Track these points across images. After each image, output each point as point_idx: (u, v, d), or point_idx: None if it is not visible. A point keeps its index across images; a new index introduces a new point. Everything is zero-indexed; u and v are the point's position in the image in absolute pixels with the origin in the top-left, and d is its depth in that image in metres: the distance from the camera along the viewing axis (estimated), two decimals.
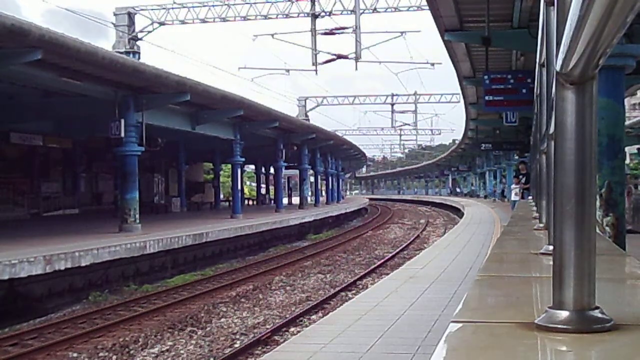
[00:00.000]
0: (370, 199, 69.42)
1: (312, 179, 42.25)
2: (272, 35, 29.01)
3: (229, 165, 31.72)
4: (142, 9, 27.36)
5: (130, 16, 26.69)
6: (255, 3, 26.62)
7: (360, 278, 14.78)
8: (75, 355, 8.69)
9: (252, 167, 50.07)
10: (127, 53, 24.41)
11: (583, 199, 1.21)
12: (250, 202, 47.39)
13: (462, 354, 1.18)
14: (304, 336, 6.57)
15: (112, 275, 14.07)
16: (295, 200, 47.29)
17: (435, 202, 60.66)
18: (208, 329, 10.19)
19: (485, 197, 52.70)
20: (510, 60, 16.94)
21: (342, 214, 38.88)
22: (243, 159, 26.55)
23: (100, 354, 8.74)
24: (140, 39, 27.00)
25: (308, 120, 40.58)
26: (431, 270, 10.36)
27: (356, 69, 28.99)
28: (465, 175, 72.57)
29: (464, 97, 24.77)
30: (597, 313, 1.22)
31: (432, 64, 34.20)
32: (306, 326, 9.26)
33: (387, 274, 12.72)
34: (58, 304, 12.29)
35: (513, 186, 19.95)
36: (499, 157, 42.42)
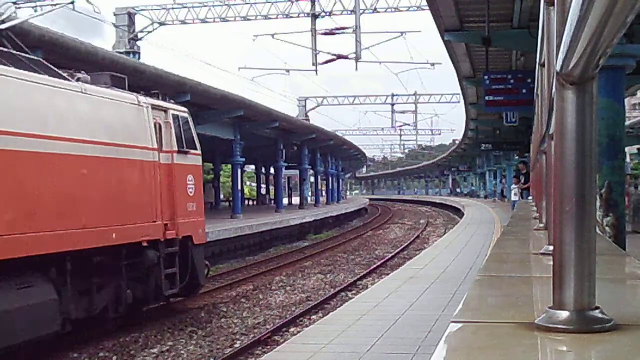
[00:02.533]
0: (370, 199, 69.40)
1: (312, 179, 42.25)
2: (272, 35, 29.00)
3: (229, 165, 31.71)
4: (142, 9, 27.35)
5: (130, 16, 26.68)
6: (255, 3, 26.61)
7: (361, 278, 14.78)
8: (75, 355, 8.69)
9: (252, 167, 50.08)
10: (127, 53, 24.40)
11: (583, 199, 1.21)
12: (251, 202, 47.39)
13: (462, 354, 1.18)
14: (304, 336, 6.57)
15: None
16: (296, 200, 47.28)
17: (435, 202, 60.65)
18: (208, 329, 10.19)
19: (485, 197, 52.73)
20: (510, 60, 16.95)
21: (342, 214, 38.88)
22: (243, 159, 26.55)
23: (100, 354, 8.74)
24: (140, 39, 26.99)
25: (308, 120, 40.57)
26: (431, 270, 10.36)
27: (356, 69, 28.94)
28: (465, 176, 72.60)
29: (464, 97, 24.79)
30: (597, 313, 1.22)
31: (432, 64, 34.19)
32: (306, 326, 9.25)
33: (387, 274, 12.72)
34: None
35: (513, 186, 19.97)
36: (499, 157, 42.44)
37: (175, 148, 10.59)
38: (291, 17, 26.76)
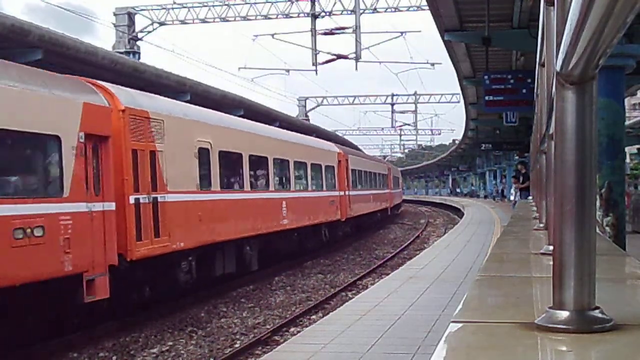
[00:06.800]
0: None
1: None
2: (272, 35, 28.96)
3: None
4: (142, 9, 27.33)
5: (130, 16, 26.66)
6: (255, 3, 26.58)
7: (361, 278, 14.78)
8: (75, 355, 8.69)
9: None
10: (127, 53, 24.37)
11: (583, 199, 1.21)
12: None
13: (462, 354, 1.18)
14: (304, 336, 6.58)
15: None
16: None
17: (435, 202, 60.64)
18: (208, 329, 10.19)
19: (485, 197, 52.74)
20: (510, 60, 16.94)
21: None
22: None
23: (100, 354, 8.74)
24: (140, 39, 26.97)
25: (308, 120, 40.56)
26: (431, 270, 10.37)
27: (356, 69, 28.81)
28: (465, 175, 72.62)
29: (464, 97, 24.78)
30: (597, 313, 1.22)
31: (432, 64, 34.14)
32: (306, 326, 9.26)
33: (388, 274, 12.72)
34: None
35: (513, 186, 19.98)
36: (499, 157, 42.46)
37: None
38: (291, 17, 26.73)
